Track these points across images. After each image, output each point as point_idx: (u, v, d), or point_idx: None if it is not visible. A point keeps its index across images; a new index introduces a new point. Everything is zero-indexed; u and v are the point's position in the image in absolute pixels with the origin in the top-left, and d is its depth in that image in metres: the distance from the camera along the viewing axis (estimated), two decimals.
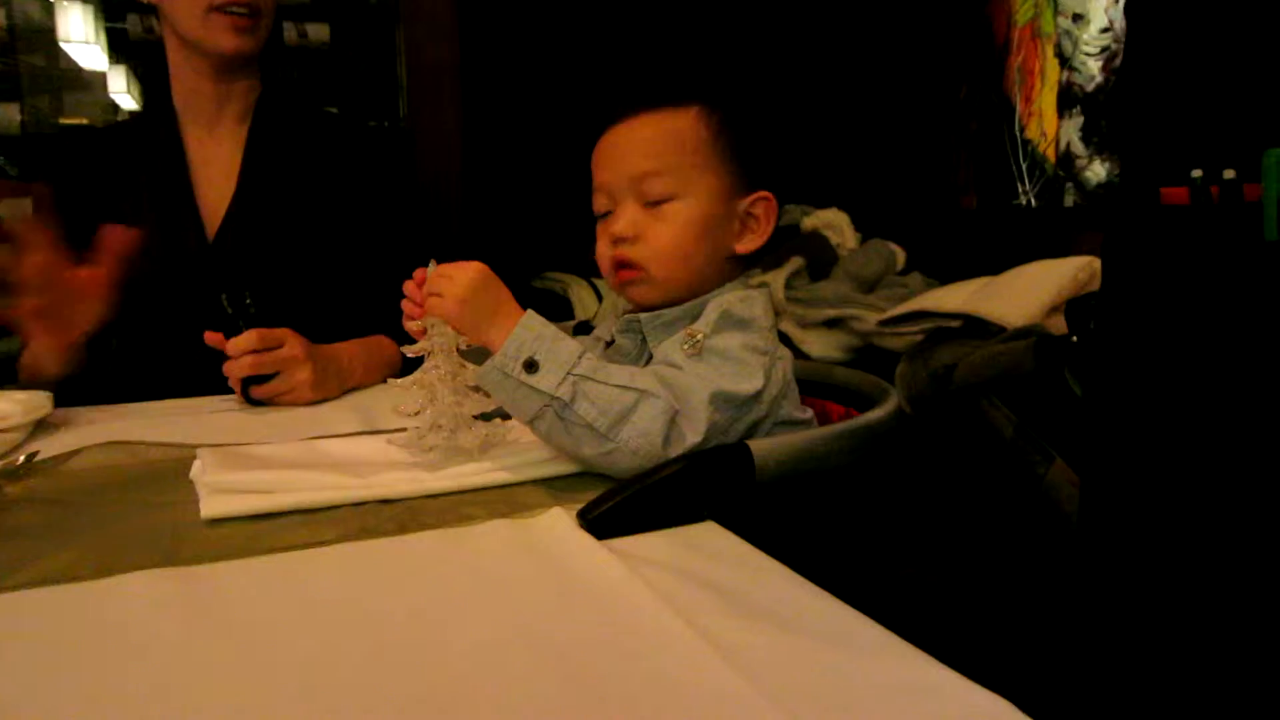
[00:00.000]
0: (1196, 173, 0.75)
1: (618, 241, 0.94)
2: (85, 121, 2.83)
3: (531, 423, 0.82)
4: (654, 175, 0.93)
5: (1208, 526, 0.78)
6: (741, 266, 0.98)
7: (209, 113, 1.47)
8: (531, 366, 0.79)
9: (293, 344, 1.24)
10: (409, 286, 0.87)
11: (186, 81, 1.45)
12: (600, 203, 0.97)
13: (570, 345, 0.81)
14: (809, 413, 0.96)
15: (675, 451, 0.80)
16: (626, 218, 0.94)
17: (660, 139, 0.94)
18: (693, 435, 0.81)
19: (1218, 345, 0.76)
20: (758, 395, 0.86)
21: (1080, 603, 0.89)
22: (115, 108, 2.90)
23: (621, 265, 0.95)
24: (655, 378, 0.83)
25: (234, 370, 1.21)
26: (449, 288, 0.83)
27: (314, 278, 1.45)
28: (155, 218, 1.42)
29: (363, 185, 1.51)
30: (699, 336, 0.87)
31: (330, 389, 1.28)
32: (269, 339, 1.22)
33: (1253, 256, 0.73)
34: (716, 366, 0.85)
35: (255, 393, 1.22)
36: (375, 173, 1.53)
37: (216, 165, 1.47)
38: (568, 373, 0.79)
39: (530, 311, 0.83)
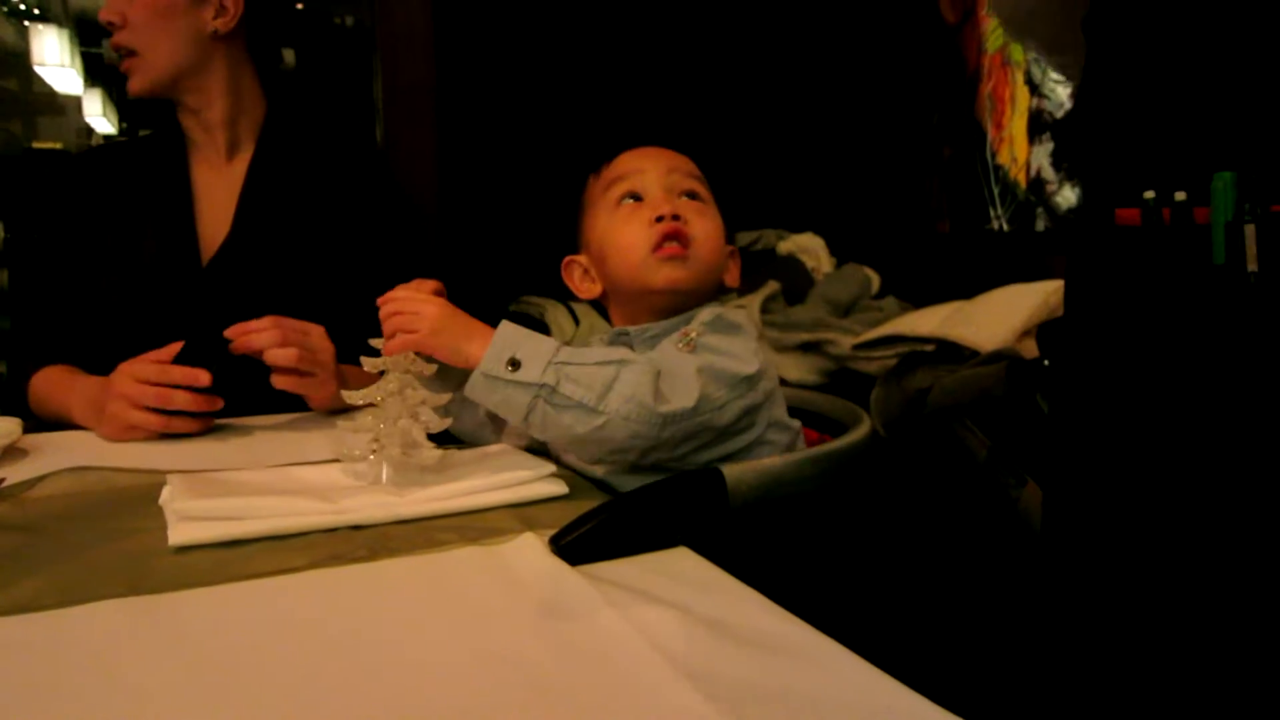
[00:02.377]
0: (1149, 194, 0.76)
1: (671, 218, 0.97)
2: (59, 145, 2.82)
3: (526, 418, 0.85)
4: (693, 176, 1.02)
5: (1168, 539, 0.79)
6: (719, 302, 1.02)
7: (206, 138, 1.46)
8: (515, 365, 0.84)
9: (326, 346, 1.26)
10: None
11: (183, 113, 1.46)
12: (624, 187, 1.01)
13: (547, 340, 0.86)
14: (796, 423, 0.97)
15: (667, 410, 0.82)
16: (674, 202, 0.99)
17: (688, 162, 1.04)
18: (682, 399, 0.83)
19: (1170, 366, 0.77)
20: (754, 378, 0.88)
21: (1047, 616, 0.90)
22: (91, 130, 2.89)
23: (670, 238, 0.97)
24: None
25: (274, 358, 1.20)
26: (419, 322, 0.89)
27: (307, 304, 1.44)
28: (153, 240, 1.41)
29: (360, 210, 1.50)
30: (692, 335, 0.90)
31: (339, 403, 1.28)
32: (295, 329, 1.23)
33: (1200, 279, 0.75)
34: (711, 354, 0.88)
35: (277, 382, 1.22)
36: (373, 197, 1.53)
37: (220, 192, 1.46)
38: (549, 362, 0.83)
39: (505, 321, 0.88)
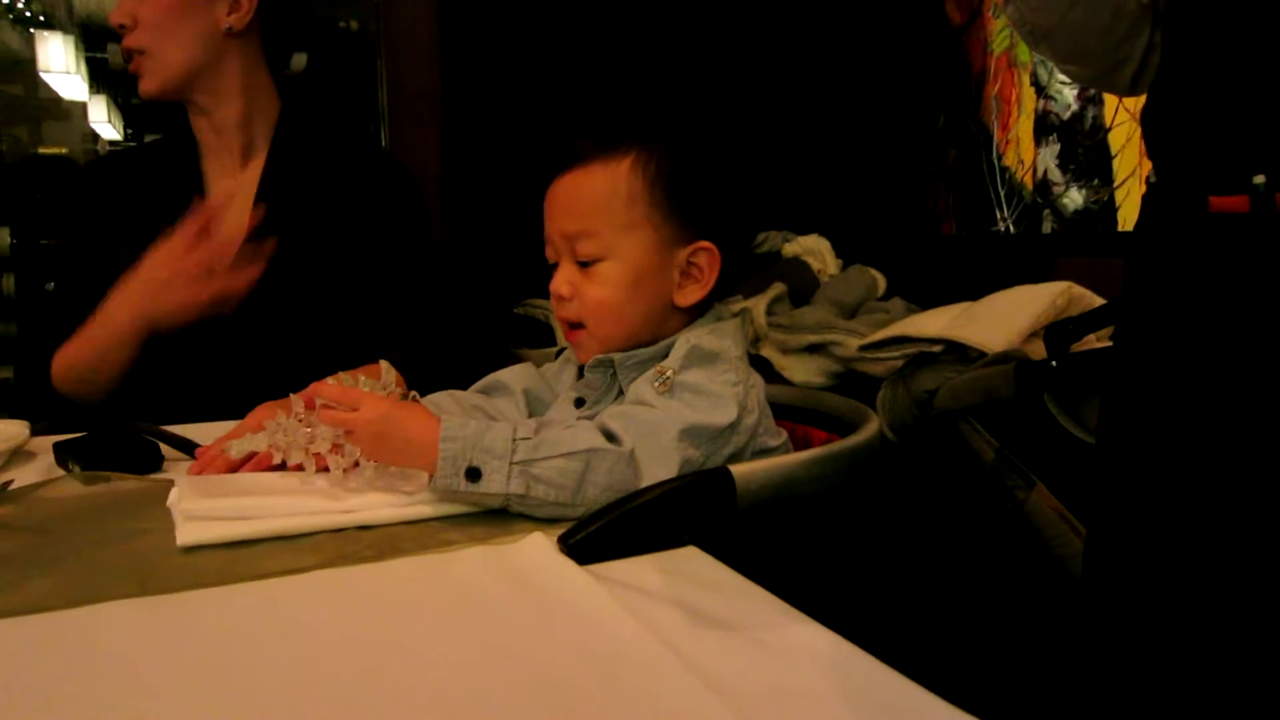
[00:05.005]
0: (1259, 179, 0.70)
1: (557, 300, 0.96)
2: (64, 151, 2.82)
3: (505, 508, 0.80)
4: (583, 236, 0.93)
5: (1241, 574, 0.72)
6: (693, 314, 0.97)
7: (218, 141, 1.45)
8: (474, 474, 0.77)
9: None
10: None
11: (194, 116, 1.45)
12: (549, 254, 0.98)
13: (499, 434, 0.78)
14: (783, 436, 0.96)
15: (641, 483, 0.79)
16: (562, 276, 0.95)
17: (589, 198, 0.94)
18: (663, 473, 0.79)
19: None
20: (733, 426, 0.85)
21: (1087, 649, 0.84)
22: (96, 136, 2.90)
23: (564, 322, 0.97)
24: (618, 418, 0.83)
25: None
26: (357, 420, 0.80)
27: (321, 306, 1.43)
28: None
29: (374, 212, 1.49)
30: (668, 374, 0.87)
31: None
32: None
33: None
34: (688, 401, 0.85)
35: None
36: (387, 200, 1.52)
37: (235, 195, 1.45)
38: (510, 464, 0.77)
39: (443, 419, 0.79)
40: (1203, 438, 0.74)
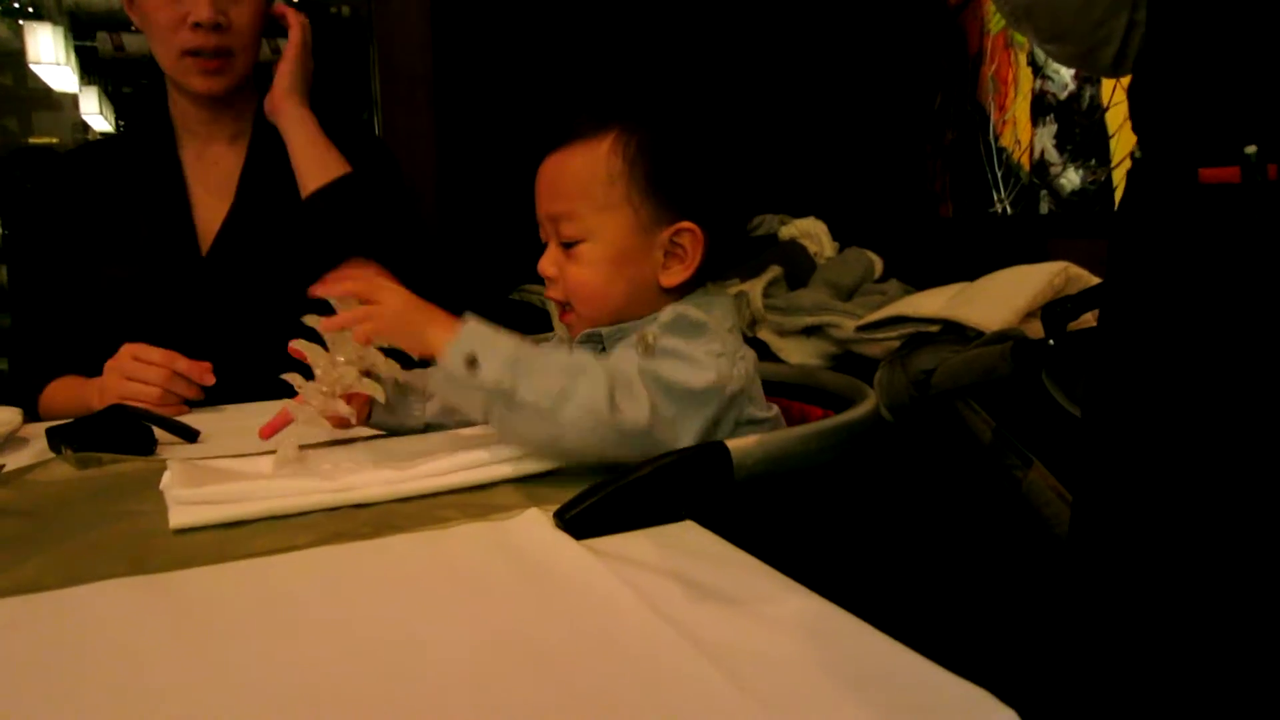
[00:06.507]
0: (1250, 148, 0.68)
1: (546, 280, 0.98)
2: (55, 141, 2.81)
3: (485, 416, 0.83)
4: (564, 218, 0.94)
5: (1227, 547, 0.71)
6: (680, 294, 0.97)
7: (205, 129, 1.46)
8: (473, 363, 0.81)
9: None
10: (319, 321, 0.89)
11: (179, 103, 1.45)
12: (541, 235, 0.99)
13: (507, 339, 0.83)
14: (774, 410, 0.96)
15: (621, 422, 0.81)
16: (549, 257, 0.97)
17: (570, 179, 0.95)
18: (634, 410, 0.81)
19: (1272, 344, 0.68)
20: (707, 391, 0.85)
21: (1070, 608, 0.84)
22: (87, 126, 2.88)
23: (555, 303, 0.99)
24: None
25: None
26: (381, 310, 0.86)
27: (306, 289, 1.43)
28: (149, 232, 1.41)
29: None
30: (650, 339, 0.88)
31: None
32: None
33: None
34: (666, 363, 0.86)
35: None
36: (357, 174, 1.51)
37: (213, 179, 1.46)
38: (507, 363, 0.81)
39: (469, 314, 0.85)
40: (1193, 414, 0.73)
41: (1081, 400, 0.86)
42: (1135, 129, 0.82)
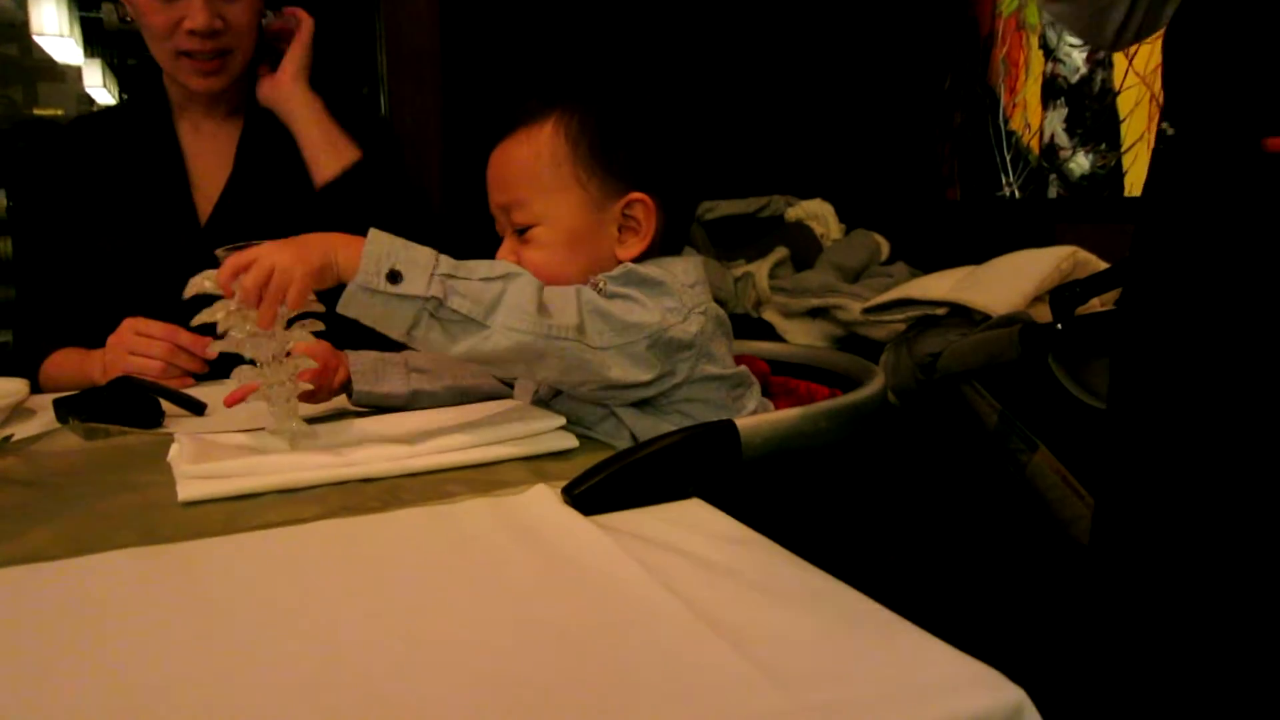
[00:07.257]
0: None
1: None
2: (60, 112, 2.80)
3: (409, 331, 0.80)
4: (515, 206, 0.95)
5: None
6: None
7: (202, 103, 1.46)
8: (395, 277, 0.78)
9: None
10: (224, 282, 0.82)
11: (175, 83, 1.44)
12: (498, 228, 1.00)
13: (424, 250, 0.80)
14: (738, 370, 0.95)
15: (550, 321, 0.80)
16: (506, 247, 0.97)
17: (516, 167, 0.95)
18: (562, 316, 0.81)
19: None
20: (640, 325, 0.85)
21: (1094, 612, 0.82)
22: (91, 100, 2.87)
23: None
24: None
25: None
26: (261, 260, 0.79)
27: None
28: (148, 204, 1.41)
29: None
30: (602, 284, 0.88)
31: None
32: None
33: None
34: (609, 301, 0.86)
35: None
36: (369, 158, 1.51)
37: (211, 152, 1.46)
38: (432, 274, 0.78)
39: (374, 229, 0.80)
40: (1250, 403, 0.70)
41: (1109, 390, 0.82)
42: (1167, 105, 0.79)
